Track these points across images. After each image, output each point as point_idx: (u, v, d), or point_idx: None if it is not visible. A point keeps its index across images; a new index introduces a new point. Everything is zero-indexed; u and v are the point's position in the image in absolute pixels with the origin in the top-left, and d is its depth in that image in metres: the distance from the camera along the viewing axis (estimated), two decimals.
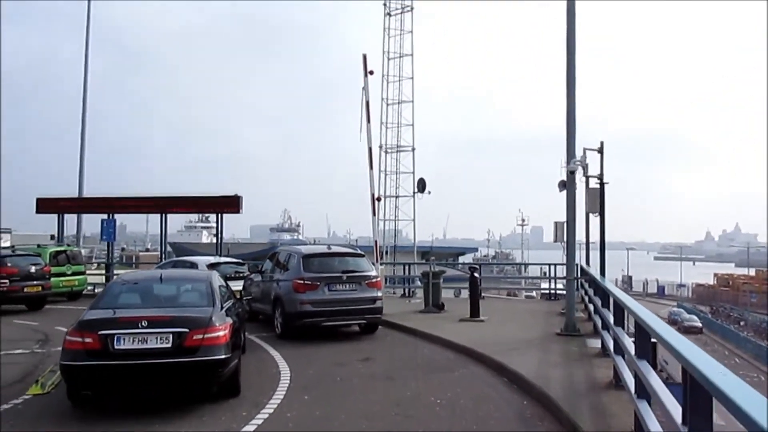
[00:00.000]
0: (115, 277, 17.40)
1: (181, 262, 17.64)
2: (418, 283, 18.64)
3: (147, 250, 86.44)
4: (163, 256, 23.65)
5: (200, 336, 6.86)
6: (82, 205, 23.93)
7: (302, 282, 11.76)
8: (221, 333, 7.04)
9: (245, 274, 15.95)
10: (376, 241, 15.18)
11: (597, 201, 14.81)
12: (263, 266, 14.06)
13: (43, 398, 7.63)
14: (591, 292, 12.41)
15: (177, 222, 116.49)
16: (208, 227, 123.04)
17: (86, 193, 24.52)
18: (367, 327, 12.63)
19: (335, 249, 13.19)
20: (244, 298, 14.95)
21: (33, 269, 17.40)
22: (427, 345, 11.46)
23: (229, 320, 7.49)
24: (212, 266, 16.38)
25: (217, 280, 8.53)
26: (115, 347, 6.66)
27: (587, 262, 18.13)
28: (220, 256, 21.23)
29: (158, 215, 23.63)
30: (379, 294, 12.37)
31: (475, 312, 13.88)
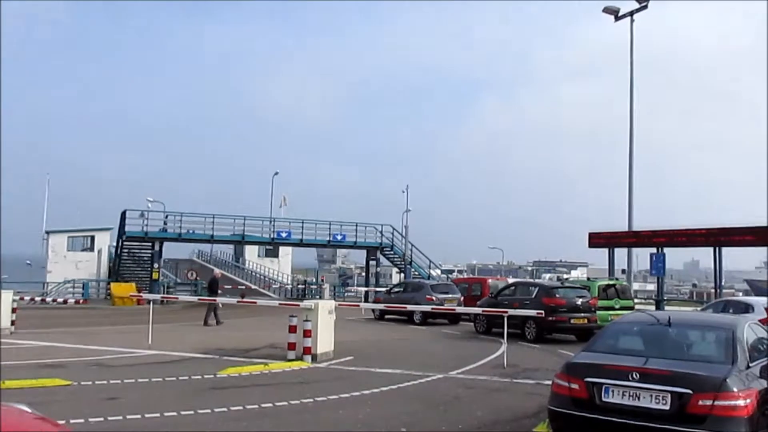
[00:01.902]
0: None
1: (734, 303, 15.22)
2: None
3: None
4: (717, 292, 21.12)
5: (708, 402, 5.27)
6: (630, 238, 23.61)
7: None
8: (740, 402, 5.26)
9: None
10: None
11: None
12: None
13: None
14: None
15: (754, 257, 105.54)
16: None
17: (635, 227, 24.07)
18: None
19: None
20: None
21: (579, 302, 17.81)
22: None
23: (758, 386, 5.58)
24: None
25: (748, 330, 6.59)
26: (603, 399, 5.71)
27: None
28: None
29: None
30: None
31: None
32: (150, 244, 32.61)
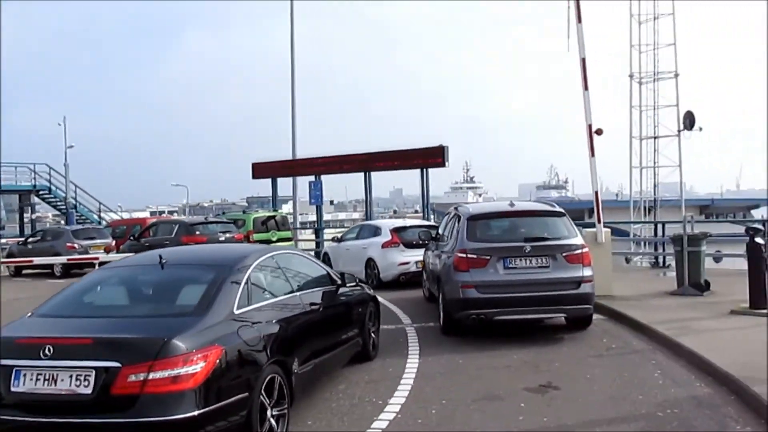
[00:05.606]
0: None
1: (367, 226, 15.12)
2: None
3: (416, 212, 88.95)
4: (368, 215, 21.63)
5: (141, 376, 3.72)
6: (288, 167, 22.90)
7: (465, 256, 8.03)
8: (186, 369, 3.79)
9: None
10: (596, 193, 10.54)
11: None
12: (438, 232, 10.60)
13: None
14: None
15: (444, 183, 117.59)
16: (473, 187, 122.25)
17: (299, 156, 23.41)
18: (574, 322, 8.49)
19: (520, 206, 9.08)
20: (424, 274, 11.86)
21: (223, 237, 16.38)
22: (667, 362, 6.94)
23: (232, 341, 4.18)
24: (397, 231, 13.70)
25: (263, 263, 5.22)
26: (11, 389, 3.87)
27: None
28: (428, 218, 18.47)
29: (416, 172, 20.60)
30: (588, 273, 8.05)
31: (759, 299, 8.70)
32: None
